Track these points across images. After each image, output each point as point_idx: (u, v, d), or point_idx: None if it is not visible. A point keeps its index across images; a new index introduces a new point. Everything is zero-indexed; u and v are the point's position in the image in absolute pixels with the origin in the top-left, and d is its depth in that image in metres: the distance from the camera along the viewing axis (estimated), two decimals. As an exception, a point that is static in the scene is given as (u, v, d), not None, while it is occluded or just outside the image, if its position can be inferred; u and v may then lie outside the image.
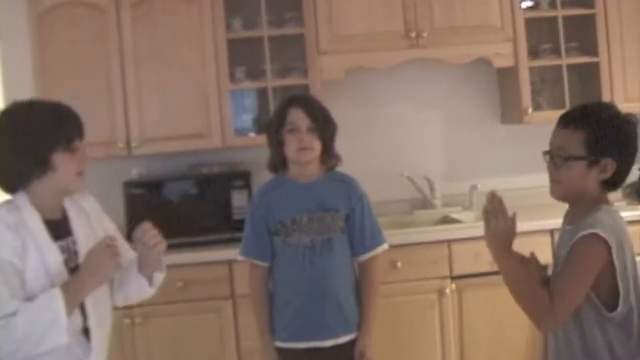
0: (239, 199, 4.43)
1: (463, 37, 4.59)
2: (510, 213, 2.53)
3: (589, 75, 4.76)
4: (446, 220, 4.69)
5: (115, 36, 4.43)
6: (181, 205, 4.46)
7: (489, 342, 4.28)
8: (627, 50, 4.69)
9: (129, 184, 4.41)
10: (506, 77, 4.85)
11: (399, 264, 4.22)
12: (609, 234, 2.41)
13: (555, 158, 2.54)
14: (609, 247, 2.40)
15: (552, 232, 4.16)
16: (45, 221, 2.54)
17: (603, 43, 4.67)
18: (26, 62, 4.44)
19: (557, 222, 4.33)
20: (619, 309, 2.42)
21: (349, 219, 3.34)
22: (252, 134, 4.73)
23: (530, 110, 4.62)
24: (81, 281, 2.49)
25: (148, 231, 2.61)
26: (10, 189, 2.56)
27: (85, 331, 2.56)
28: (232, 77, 4.56)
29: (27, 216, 2.51)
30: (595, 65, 4.69)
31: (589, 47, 4.73)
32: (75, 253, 2.59)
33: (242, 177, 4.49)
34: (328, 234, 3.26)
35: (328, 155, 3.34)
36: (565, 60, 4.69)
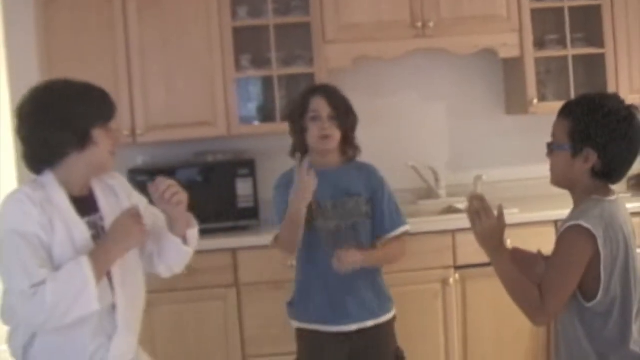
0: (243, 187, 4.44)
1: (469, 28, 4.58)
2: (494, 209, 2.55)
3: (594, 66, 4.75)
4: (450, 210, 4.69)
5: (121, 24, 4.43)
6: (186, 193, 4.45)
7: (492, 332, 4.30)
8: (633, 42, 4.68)
9: (134, 172, 4.41)
10: (512, 68, 4.84)
11: (403, 253, 4.23)
12: (594, 224, 2.41)
13: (547, 146, 2.60)
14: (594, 237, 2.40)
15: (556, 222, 4.15)
16: (71, 198, 2.57)
17: (609, 34, 4.66)
18: (32, 49, 4.45)
19: (561, 212, 4.32)
20: (598, 298, 2.43)
21: (371, 203, 3.36)
22: (257, 123, 4.73)
23: (535, 101, 4.61)
24: (107, 249, 2.51)
25: (162, 185, 2.61)
26: (43, 164, 2.57)
27: (114, 307, 2.58)
28: (238, 65, 4.56)
29: (53, 193, 2.53)
30: (601, 57, 4.68)
31: (595, 38, 4.72)
32: (103, 229, 2.61)
33: (247, 166, 4.49)
34: (352, 219, 3.29)
35: (348, 145, 3.38)
36: (571, 51, 4.68)
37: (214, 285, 4.20)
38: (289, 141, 4.64)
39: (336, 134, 3.31)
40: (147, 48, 4.46)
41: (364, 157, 4.92)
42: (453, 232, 4.26)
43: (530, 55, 4.63)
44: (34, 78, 4.38)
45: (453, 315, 4.29)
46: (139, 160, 4.63)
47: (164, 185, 2.60)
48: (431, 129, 5.04)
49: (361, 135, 4.90)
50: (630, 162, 2.54)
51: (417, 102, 5.02)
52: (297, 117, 3.36)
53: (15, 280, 2.40)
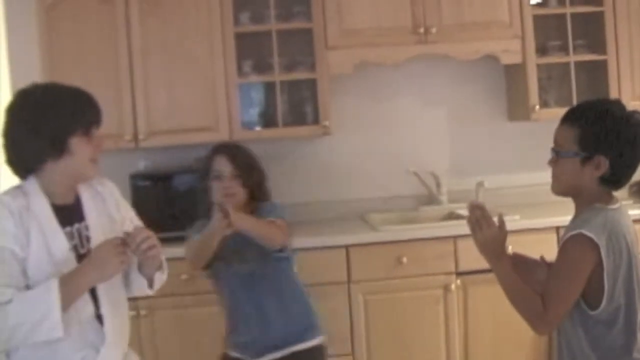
0: (245, 192, 4.43)
1: (471, 34, 4.58)
2: (495, 218, 2.54)
3: (596, 73, 4.75)
4: (452, 216, 4.69)
5: (123, 29, 4.44)
6: (187, 198, 4.46)
7: (493, 338, 4.29)
8: (635, 49, 4.68)
9: (135, 177, 4.41)
10: (514, 74, 4.85)
11: (404, 259, 4.23)
12: (597, 233, 2.40)
13: (553, 154, 2.57)
14: (597, 247, 2.39)
15: (557, 229, 4.14)
16: (55, 207, 2.51)
17: (611, 41, 4.66)
18: (34, 54, 4.45)
19: (562, 219, 4.31)
20: (602, 307, 2.42)
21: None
22: (258, 128, 4.73)
23: (537, 108, 4.61)
24: (82, 275, 2.43)
25: (138, 236, 2.51)
26: (24, 170, 2.53)
27: (100, 318, 2.53)
28: (240, 71, 4.56)
29: (35, 202, 2.48)
30: (603, 63, 4.68)
31: (597, 44, 4.72)
32: (88, 239, 2.56)
33: (249, 171, 4.49)
34: (263, 262, 3.29)
35: (257, 200, 3.38)
36: (573, 58, 4.68)
37: (215, 290, 4.20)
38: (291, 147, 4.66)
39: (239, 192, 3.31)
40: (149, 53, 4.46)
41: (366, 163, 4.95)
42: (454, 238, 4.25)
43: (533, 62, 4.63)
44: (37, 81, 4.41)
45: (454, 321, 4.29)
46: (141, 165, 4.63)
47: (140, 237, 2.50)
48: (433, 135, 5.04)
49: (362, 140, 4.95)
50: (635, 168, 2.54)
51: (418, 107, 5.02)
52: (202, 177, 3.39)
53: None
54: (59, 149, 2.48)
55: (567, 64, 4.70)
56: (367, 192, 4.97)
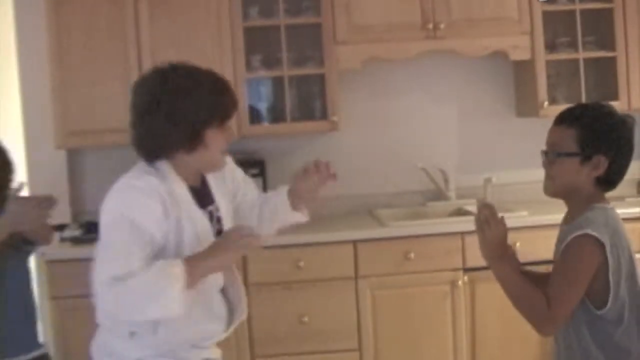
0: (253, 187, 4.44)
1: (480, 30, 4.58)
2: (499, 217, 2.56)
3: (605, 69, 4.74)
4: (460, 212, 4.69)
5: (132, 24, 4.44)
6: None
7: (500, 334, 4.29)
8: (645, 46, 4.68)
9: (144, 171, 4.42)
10: (522, 70, 4.84)
11: (412, 255, 4.23)
12: (601, 232, 2.41)
13: (550, 154, 2.59)
14: (602, 246, 2.40)
15: (565, 226, 4.15)
16: (189, 189, 2.50)
17: (620, 38, 4.65)
18: (43, 49, 4.45)
19: (571, 216, 4.31)
20: (609, 305, 2.42)
21: None
22: (267, 123, 4.74)
23: (546, 104, 4.61)
24: (208, 260, 2.35)
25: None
26: (152, 156, 2.46)
27: (223, 291, 2.55)
28: (249, 66, 4.56)
29: (175, 186, 2.45)
30: (612, 60, 4.67)
31: (606, 41, 4.71)
32: (219, 220, 2.56)
33: (257, 166, 4.51)
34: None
35: None
36: (582, 54, 4.67)
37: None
38: (299, 142, 4.66)
39: None
40: (158, 48, 4.46)
41: (374, 158, 4.96)
42: (462, 234, 4.25)
43: (541, 58, 4.63)
44: (45, 76, 4.43)
45: (461, 317, 4.29)
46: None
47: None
48: (441, 131, 5.04)
49: (371, 136, 4.95)
50: (627, 169, 2.57)
51: (427, 103, 5.02)
52: None
53: (107, 266, 2.30)
54: (195, 141, 2.42)
55: (576, 61, 4.69)
56: (375, 187, 4.97)
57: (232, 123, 2.59)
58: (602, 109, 2.58)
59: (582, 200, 2.54)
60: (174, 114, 2.38)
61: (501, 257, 2.54)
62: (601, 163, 2.48)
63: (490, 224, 2.53)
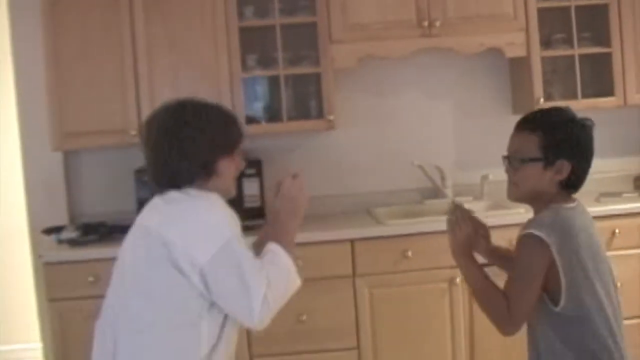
0: (250, 187, 4.44)
1: (475, 27, 4.58)
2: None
3: (601, 65, 4.74)
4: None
5: (127, 24, 4.44)
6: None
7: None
8: (640, 41, 4.68)
9: (140, 172, 4.41)
10: (518, 67, 4.84)
11: (409, 253, 4.23)
12: (546, 231, 2.46)
13: (513, 161, 2.64)
14: (547, 245, 2.44)
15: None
16: None
17: (616, 34, 4.65)
18: (39, 51, 4.44)
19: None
20: (562, 303, 2.45)
21: None
22: (263, 122, 4.73)
23: (542, 101, 4.60)
24: (286, 224, 2.62)
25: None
26: (174, 186, 2.52)
27: None
28: (244, 65, 4.56)
29: None
30: (608, 56, 4.68)
31: (602, 37, 4.71)
32: None
33: (254, 166, 4.49)
34: None
35: None
36: (577, 51, 4.67)
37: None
38: (296, 141, 4.66)
39: None
40: (153, 48, 4.46)
41: (371, 156, 4.96)
42: (460, 231, 4.25)
43: (537, 55, 4.63)
44: (41, 77, 4.43)
45: (460, 315, 4.29)
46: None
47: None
48: (437, 128, 5.04)
49: (367, 134, 4.95)
50: (588, 172, 2.62)
51: (423, 101, 5.02)
52: None
53: (256, 284, 2.38)
54: (209, 172, 2.52)
55: (571, 57, 4.69)
56: (372, 185, 4.97)
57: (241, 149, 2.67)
58: (563, 114, 2.63)
59: (544, 203, 2.59)
60: (187, 148, 2.48)
61: (470, 256, 2.63)
62: (564, 167, 2.54)
63: (461, 225, 2.63)
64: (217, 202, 2.47)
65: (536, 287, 2.46)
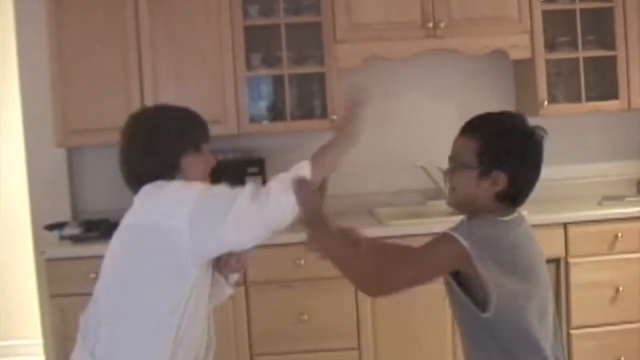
0: (253, 185, 4.44)
1: (480, 29, 4.58)
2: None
3: (605, 68, 4.74)
4: (459, 211, 4.69)
5: (132, 22, 4.45)
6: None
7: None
8: (645, 45, 4.68)
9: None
10: (522, 69, 4.84)
11: (411, 254, 4.23)
12: (470, 240, 2.29)
13: (452, 164, 2.48)
14: (466, 252, 2.28)
15: (565, 225, 4.14)
16: None
17: (620, 37, 4.65)
18: (43, 47, 4.45)
19: (570, 215, 4.33)
20: (490, 312, 2.30)
21: None
22: (267, 121, 4.73)
23: (546, 103, 4.60)
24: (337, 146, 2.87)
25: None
26: (138, 186, 2.59)
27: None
28: (249, 64, 4.56)
29: None
30: (612, 59, 4.67)
31: (607, 40, 4.71)
32: None
33: (257, 164, 4.50)
34: None
35: None
36: (582, 54, 4.67)
37: (222, 284, 4.21)
38: (299, 140, 4.66)
39: None
40: (157, 46, 4.47)
41: (374, 157, 4.95)
42: (462, 233, 4.25)
43: (541, 57, 4.63)
44: (45, 74, 4.43)
45: (461, 316, 4.29)
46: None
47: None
48: (440, 130, 5.01)
49: (370, 134, 4.91)
50: (534, 185, 2.47)
51: (426, 102, 5.02)
52: None
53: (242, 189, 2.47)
54: (172, 169, 2.56)
55: (576, 60, 4.69)
56: (374, 186, 4.98)
57: (208, 149, 2.71)
58: (506, 121, 2.46)
59: (481, 214, 2.42)
60: (147, 147, 2.56)
61: (324, 223, 2.55)
62: (500, 179, 2.36)
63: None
64: (187, 183, 2.52)
65: (424, 276, 2.42)
